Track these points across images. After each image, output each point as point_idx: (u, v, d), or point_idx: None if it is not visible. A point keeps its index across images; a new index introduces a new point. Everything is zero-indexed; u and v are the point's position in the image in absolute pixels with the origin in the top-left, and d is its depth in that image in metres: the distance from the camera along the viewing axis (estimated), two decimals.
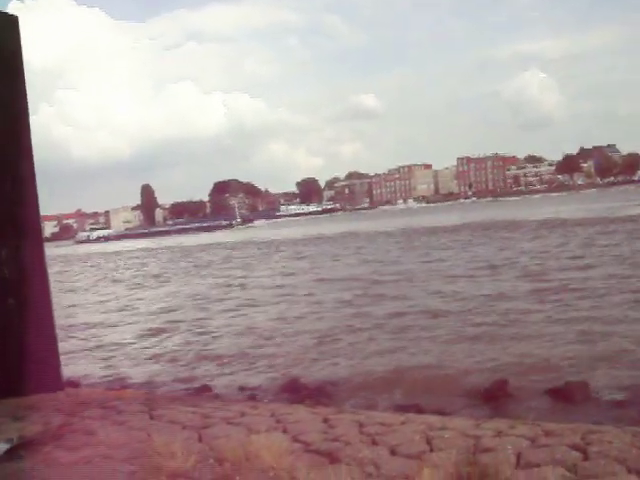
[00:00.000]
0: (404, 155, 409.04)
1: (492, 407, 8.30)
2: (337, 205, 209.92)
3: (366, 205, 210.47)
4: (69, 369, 10.24)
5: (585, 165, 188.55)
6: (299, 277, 27.18)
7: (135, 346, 15.23)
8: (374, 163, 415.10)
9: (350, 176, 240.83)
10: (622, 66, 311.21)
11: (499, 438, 4.14)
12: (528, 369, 10.04)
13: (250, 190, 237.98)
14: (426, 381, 10.01)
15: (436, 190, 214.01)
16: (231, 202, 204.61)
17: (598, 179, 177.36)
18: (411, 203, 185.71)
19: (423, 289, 20.00)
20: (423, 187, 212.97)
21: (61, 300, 23.41)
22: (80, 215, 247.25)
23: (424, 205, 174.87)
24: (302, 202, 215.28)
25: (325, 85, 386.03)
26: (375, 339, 13.27)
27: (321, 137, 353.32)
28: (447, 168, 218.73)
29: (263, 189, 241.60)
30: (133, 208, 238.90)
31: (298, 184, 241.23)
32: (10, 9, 7.75)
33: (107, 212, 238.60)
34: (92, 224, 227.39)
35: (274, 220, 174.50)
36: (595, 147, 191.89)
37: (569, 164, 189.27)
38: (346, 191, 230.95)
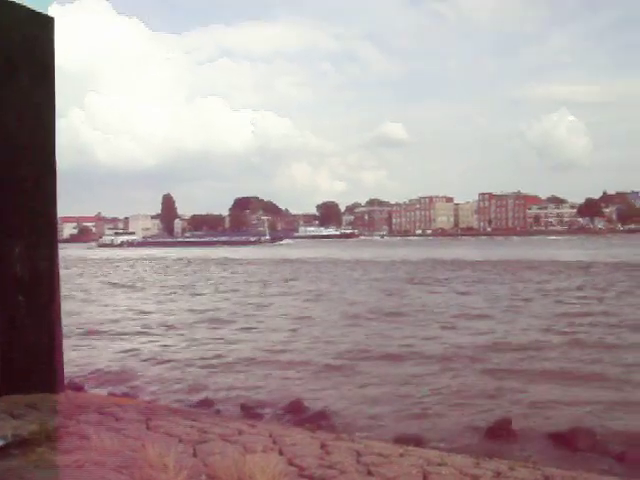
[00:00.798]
0: (426, 186, 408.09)
1: None
2: (355, 230, 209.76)
3: (384, 232, 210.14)
4: None
5: (607, 210, 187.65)
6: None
7: None
8: (396, 192, 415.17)
9: (371, 203, 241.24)
10: None
11: (498, 479, 4.06)
12: None
13: (270, 208, 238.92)
14: None
15: (455, 223, 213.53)
16: (261, 219, 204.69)
17: (619, 225, 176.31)
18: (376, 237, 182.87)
19: None
20: (443, 219, 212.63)
21: None
22: (100, 219, 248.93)
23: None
24: (321, 225, 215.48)
25: (354, 111, 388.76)
26: None
27: (345, 162, 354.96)
28: (468, 202, 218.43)
29: (283, 208, 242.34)
30: (152, 217, 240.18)
31: (318, 207, 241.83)
32: (50, 12, 7.85)
33: (127, 218, 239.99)
34: (111, 229, 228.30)
35: (300, 240, 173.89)
36: (618, 193, 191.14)
37: (591, 207, 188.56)
38: (365, 217, 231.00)
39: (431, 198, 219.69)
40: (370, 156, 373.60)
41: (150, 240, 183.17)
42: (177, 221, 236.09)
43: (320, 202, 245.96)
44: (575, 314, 21.49)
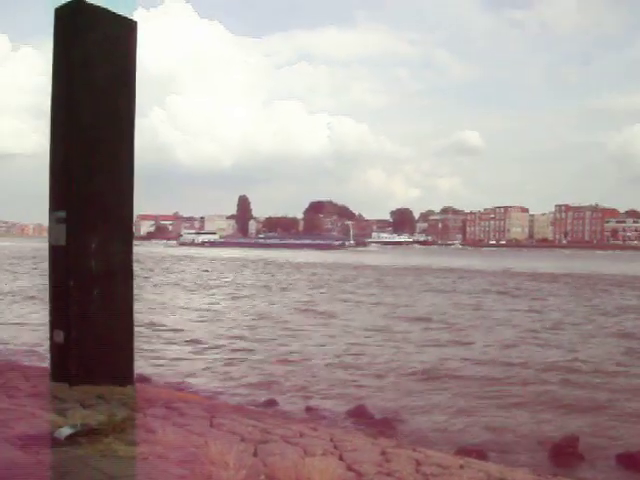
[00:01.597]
0: (501, 195, 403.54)
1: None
2: (429, 238, 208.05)
3: (458, 241, 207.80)
4: None
5: None
6: None
7: None
8: (470, 200, 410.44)
9: (445, 210, 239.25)
10: None
11: None
12: None
13: (344, 213, 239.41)
14: None
15: (530, 234, 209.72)
16: (345, 224, 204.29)
17: None
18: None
19: None
20: (517, 230, 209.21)
21: None
22: (177, 218, 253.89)
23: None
24: (394, 231, 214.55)
25: (430, 118, 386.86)
26: None
27: (419, 169, 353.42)
28: (544, 214, 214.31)
29: (357, 213, 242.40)
30: (228, 217, 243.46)
31: (392, 212, 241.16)
32: (135, 16, 8.06)
33: (202, 218, 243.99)
34: (187, 227, 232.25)
35: (383, 245, 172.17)
36: None
37: None
38: (439, 225, 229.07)
39: (506, 208, 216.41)
40: (445, 163, 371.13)
41: (231, 240, 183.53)
42: (252, 222, 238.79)
43: (394, 208, 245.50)
44: None
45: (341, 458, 4.62)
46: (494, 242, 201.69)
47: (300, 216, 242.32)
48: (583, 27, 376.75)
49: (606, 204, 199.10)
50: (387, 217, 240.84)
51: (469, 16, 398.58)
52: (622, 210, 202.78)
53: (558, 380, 13.26)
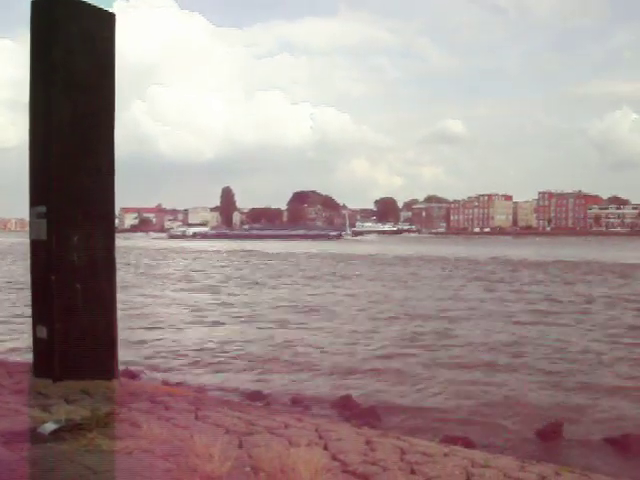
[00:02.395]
0: (485, 183, 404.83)
1: None
2: (413, 227, 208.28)
3: (442, 230, 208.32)
4: None
5: None
6: None
7: None
8: (454, 188, 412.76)
9: (429, 199, 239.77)
10: None
11: None
12: None
13: (328, 203, 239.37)
14: None
15: (514, 222, 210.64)
16: (343, 212, 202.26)
17: None
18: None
19: None
20: (501, 217, 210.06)
21: None
22: (160, 210, 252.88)
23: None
24: (378, 220, 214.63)
25: (412, 107, 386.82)
26: None
27: (403, 158, 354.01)
28: (527, 201, 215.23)
29: (341, 203, 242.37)
30: (212, 209, 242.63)
31: (376, 202, 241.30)
32: (115, 7, 8.02)
33: (186, 210, 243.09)
34: (171, 220, 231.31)
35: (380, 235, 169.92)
36: None
37: None
38: (423, 214, 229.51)
39: (490, 196, 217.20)
40: (428, 152, 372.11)
41: (223, 232, 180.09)
42: (236, 214, 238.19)
43: (378, 197, 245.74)
44: None
45: (326, 448, 4.63)
46: (478, 230, 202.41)
47: (284, 207, 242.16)
48: (564, 14, 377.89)
49: (589, 191, 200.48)
50: (371, 206, 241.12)
51: (449, 3, 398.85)
52: (605, 197, 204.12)
53: (544, 365, 13.36)
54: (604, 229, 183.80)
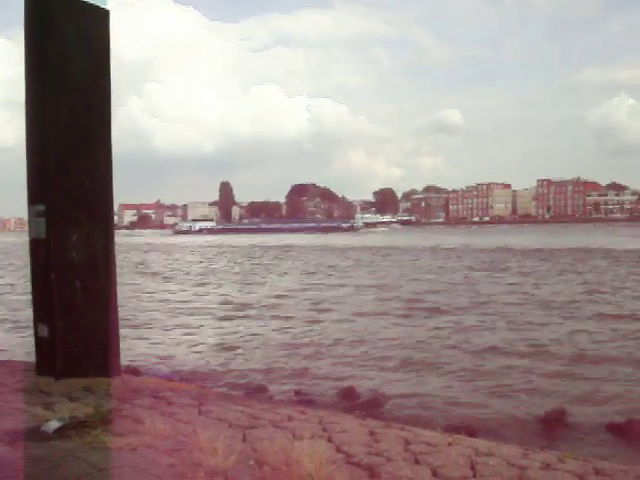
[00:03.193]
0: (483, 173, 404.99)
1: None
2: (413, 217, 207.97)
3: (441, 220, 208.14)
4: None
5: None
6: None
7: None
8: (452, 178, 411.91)
9: (428, 189, 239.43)
10: None
11: (546, 471, 4.02)
12: None
13: (327, 195, 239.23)
14: None
15: (513, 210, 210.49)
16: (353, 204, 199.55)
17: None
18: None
19: None
20: (500, 206, 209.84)
21: None
22: (159, 206, 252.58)
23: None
24: (378, 211, 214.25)
25: (409, 98, 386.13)
26: None
27: (401, 148, 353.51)
28: (526, 189, 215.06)
29: (340, 195, 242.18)
30: (210, 204, 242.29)
31: (375, 193, 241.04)
32: (109, 3, 7.93)
33: (185, 205, 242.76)
34: (170, 216, 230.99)
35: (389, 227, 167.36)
36: None
37: None
38: (422, 204, 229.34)
39: (489, 185, 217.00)
40: (426, 142, 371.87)
41: (230, 227, 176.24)
42: (235, 208, 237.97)
43: (377, 189, 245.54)
44: None
45: (330, 440, 4.64)
46: (477, 219, 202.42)
47: (282, 200, 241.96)
48: (561, 3, 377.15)
49: (588, 178, 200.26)
50: (370, 198, 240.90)
51: None
52: (604, 184, 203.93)
53: (544, 357, 13.35)
54: (603, 216, 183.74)
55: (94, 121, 6.46)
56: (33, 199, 6.44)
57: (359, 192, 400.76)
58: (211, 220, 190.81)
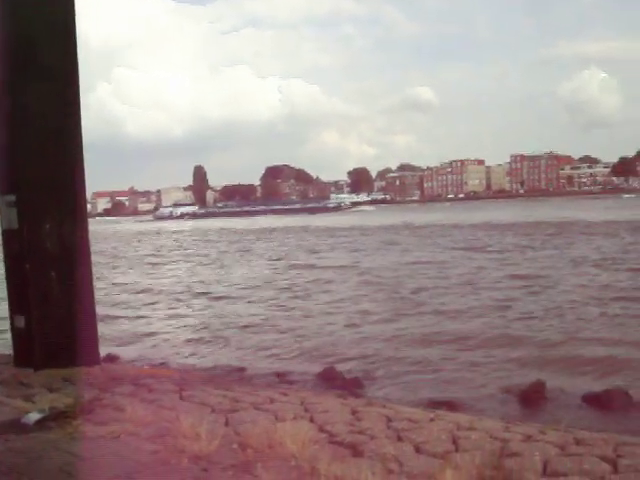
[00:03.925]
0: (457, 149, 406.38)
1: None
2: (387, 196, 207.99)
3: (416, 198, 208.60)
4: None
5: None
6: None
7: None
8: (426, 155, 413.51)
9: (402, 168, 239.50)
10: None
11: (527, 443, 4.05)
12: None
13: (301, 176, 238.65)
14: None
15: (487, 186, 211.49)
16: (339, 184, 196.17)
17: None
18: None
19: None
20: (474, 182, 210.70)
21: None
22: (133, 193, 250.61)
23: None
24: (352, 191, 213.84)
25: (381, 75, 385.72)
26: None
27: (374, 127, 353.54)
28: (500, 165, 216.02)
29: (314, 176, 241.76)
30: (185, 188, 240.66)
31: (349, 173, 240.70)
32: None
33: (159, 191, 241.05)
34: (144, 202, 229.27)
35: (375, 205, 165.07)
36: None
37: (625, 166, 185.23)
38: (397, 182, 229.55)
39: (462, 161, 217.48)
40: (399, 120, 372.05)
41: (214, 210, 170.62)
42: (209, 192, 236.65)
43: (351, 168, 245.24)
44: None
45: (312, 420, 4.65)
46: (452, 196, 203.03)
47: (257, 183, 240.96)
48: None
49: (561, 152, 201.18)
50: (344, 178, 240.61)
51: None
52: (577, 157, 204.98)
53: (523, 329, 13.48)
54: (577, 189, 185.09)
55: (63, 108, 6.37)
56: (3, 189, 6.35)
57: (334, 172, 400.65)
58: (193, 205, 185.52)
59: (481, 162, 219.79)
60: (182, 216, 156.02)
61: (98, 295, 7.36)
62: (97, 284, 7.44)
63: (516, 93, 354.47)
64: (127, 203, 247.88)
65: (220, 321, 16.50)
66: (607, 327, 13.31)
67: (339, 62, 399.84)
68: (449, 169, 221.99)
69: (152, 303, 20.60)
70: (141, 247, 55.77)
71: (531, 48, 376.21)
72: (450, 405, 7.72)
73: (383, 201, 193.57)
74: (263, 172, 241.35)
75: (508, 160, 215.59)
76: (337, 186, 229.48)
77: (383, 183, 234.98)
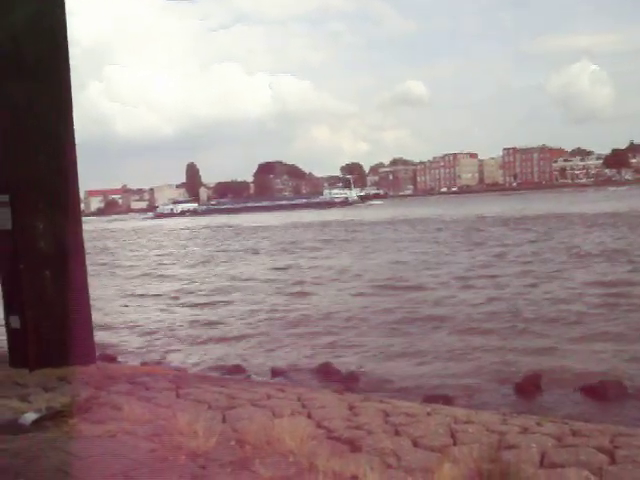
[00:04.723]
0: (449, 143, 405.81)
1: None
2: (381, 191, 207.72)
3: (409, 192, 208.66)
4: None
5: (634, 160, 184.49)
6: None
7: None
8: (419, 150, 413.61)
9: (395, 162, 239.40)
10: None
11: (524, 435, 4.06)
12: None
13: (294, 172, 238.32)
14: None
15: (480, 180, 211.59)
16: (346, 177, 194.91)
17: None
18: None
19: None
20: (467, 176, 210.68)
21: None
22: (126, 191, 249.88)
23: None
24: (345, 187, 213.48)
25: (371, 71, 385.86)
26: None
27: (366, 123, 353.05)
28: (493, 158, 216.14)
29: (307, 172, 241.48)
30: (178, 186, 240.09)
31: (342, 168, 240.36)
32: None
33: (152, 189, 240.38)
34: (137, 200, 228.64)
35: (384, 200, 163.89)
36: None
37: (617, 158, 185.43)
38: (390, 177, 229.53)
39: (455, 155, 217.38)
40: (391, 115, 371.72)
41: (216, 207, 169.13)
42: (202, 189, 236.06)
43: (344, 164, 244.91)
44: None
45: (310, 416, 4.65)
46: (445, 190, 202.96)
47: (250, 179, 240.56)
48: None
49: (553, 145, 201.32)
50: (338, 173, 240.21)
51: None
52: (569, 149, 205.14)
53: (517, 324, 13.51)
54: (570, 181, 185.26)
55: (55, 107, 6.34)
56: None
57: (327, 168, 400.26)
58: (190, 201, 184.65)
59: (474, 155, 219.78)
60: (183, 213, 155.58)
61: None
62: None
63: (508, 87, 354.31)
64: (120, 201, 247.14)
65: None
66: (605, 320, 13.33)
67: (329, 58, 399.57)
68: (442, 163, 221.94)
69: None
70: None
71: (522, 41, 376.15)
72: (446, 399, 7.73)
73: (377, 196, 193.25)
74: (256, 169, 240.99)
75: (501, 154, 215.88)
76: (330, 182, 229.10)
77: (376, 178, 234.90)
